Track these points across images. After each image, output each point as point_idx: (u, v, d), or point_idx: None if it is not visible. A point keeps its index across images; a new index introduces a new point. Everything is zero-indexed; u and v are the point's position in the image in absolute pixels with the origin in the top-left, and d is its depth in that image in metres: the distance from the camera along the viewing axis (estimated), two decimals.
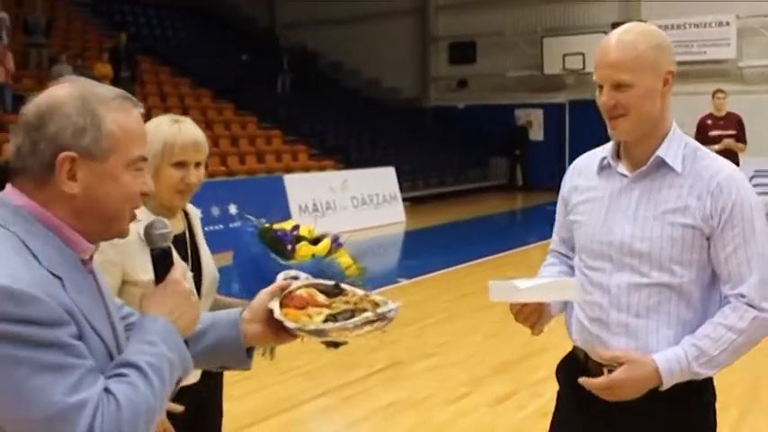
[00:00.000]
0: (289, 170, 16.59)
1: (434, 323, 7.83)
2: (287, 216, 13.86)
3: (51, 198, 1.49)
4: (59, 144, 1.47)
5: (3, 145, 13.55)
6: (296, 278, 1.96)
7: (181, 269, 1.70)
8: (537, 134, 24.07)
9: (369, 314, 1.79)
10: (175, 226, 2.65)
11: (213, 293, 2.86)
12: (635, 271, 2.28)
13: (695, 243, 2.23)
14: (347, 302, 1.86)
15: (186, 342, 1.62)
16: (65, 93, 1.51)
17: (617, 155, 2.38)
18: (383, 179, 16.54)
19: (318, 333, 1.79)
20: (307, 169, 17.42)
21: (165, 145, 2.59)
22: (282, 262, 2.59)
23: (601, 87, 2.26)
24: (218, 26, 26.37)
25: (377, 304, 1.84)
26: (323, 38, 26.32)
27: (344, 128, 21.89)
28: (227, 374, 6.01)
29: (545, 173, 21.24)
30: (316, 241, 2.69)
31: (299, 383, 6.02)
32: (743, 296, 2.21)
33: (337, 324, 1.78)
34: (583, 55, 22.59)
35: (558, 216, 2.63)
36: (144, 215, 2.49)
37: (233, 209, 12.65)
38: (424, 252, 13.22)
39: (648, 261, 2.26)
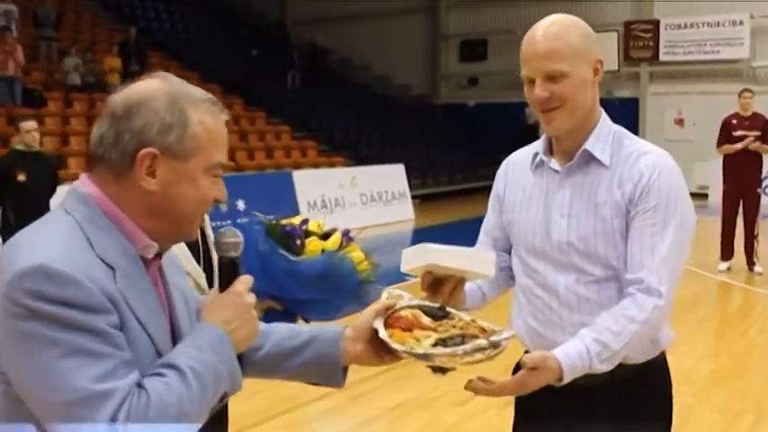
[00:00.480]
0: (297, 166, 16.53)
1: None
2: (295, 212, 13.77)
3: (126, 191, 1.48)
4: (143, 139, 1.46)
5: (12, 138, 13.53)
6: (400, 297, 1.90)
7: (245, 281, 1.62)
8: None
9: (482, 341, 1.72)
10: None
11: None
12: (578, 269, 2.21)
13: (620, 232, 2.17)
14: (455, 327, 1.80)
15: (241, 358, 1.57)
16: (155, 88, 1.50)
17: (549, 150, 2.31)
18: (392, 176, 16.46)
19: (426, 357, 1.72)
20: (316, 165, 17.35)
21: None
22: (292, 258, 2.48)
23: (531, 82, 2.18)
24: (229, 21, 26.28)
25: (484, 330, 1.78)
26: (333, 34, 26.23)
27: (354, 124, 21.82)
28: None
29: None
30: (325, 236, 2.59)
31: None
32: (640, 281, 2.10)
33: (447, 350, 1.71)
34: None
35: (490, 215, 2.52)
36: None
37: (241, 204, 12.57)
38: None
39: (589, 258, 2.19)
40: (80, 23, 21.02)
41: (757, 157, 10.19)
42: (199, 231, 2.65)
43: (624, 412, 2.25)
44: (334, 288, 2.45)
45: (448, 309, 1.88)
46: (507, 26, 24.45)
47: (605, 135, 2.23)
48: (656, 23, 21.84)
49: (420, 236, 15.03)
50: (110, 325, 1.36)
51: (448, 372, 1.82)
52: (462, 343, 1.72)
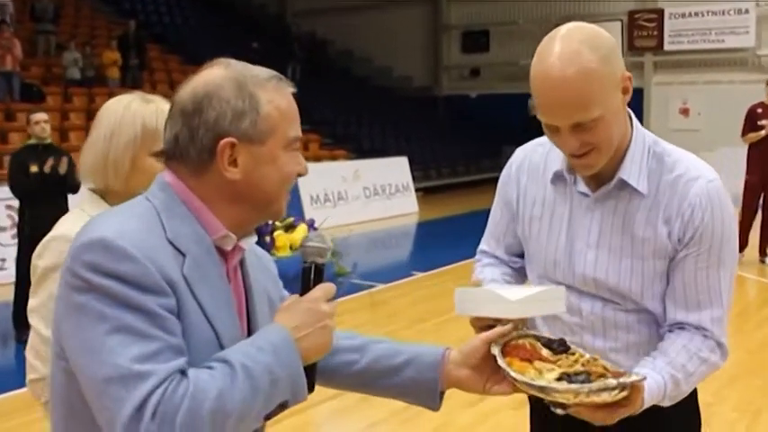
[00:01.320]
0: None
1: (452, 319, 7.52)
2: (298, 206, 13.78)
3: (208, 183, 1.47)
4: (219, 130, 1.44)
5: (9, 134, 13.40)
6: (519, 326, 1.77)
7: (325, 290, 1.55)
8: None
9: (611, 381, 1.60)
10: None
11: None
12: (605, 299, 2.00)
13: (662, 272, 1.95)
14: (576, 362, 1.68)
15: (311, 368, 1.50)
16: (220, 76, 1.48)
17: (571, 167, 1.98)
18: (395, 169, 16.32)
19: (547, 391, 1.61)
20: (318, 159, 17.21)
21: (144, 129, 2.14)
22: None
23: (554, 128, 1.83)
24: (228, 14, 26.14)
25: (607, 369, 1.66)
26: (334, 25, 26.12)
27: (356, 117, 21.70)
28: None
29: None
30: (288, 228, 2.38)
31: None
32: (704, 329, 1.93)
33: (573, 386, 1.59)
34: None
35: (499, 219, 2.23)
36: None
37: None
38: (438, 243, 12.98)
39: (618, 294, 1.98)
40: (79, 17, 20.89)
41: None
42: None
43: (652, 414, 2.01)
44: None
45: (569, 343, 1.75)
46: (509, 17, 24.34)
47: (640, 156, 1.94)
48: (661, 12, 21.67)
49: (424, 229, 14.92)
50: (162, 307, 1.34)
51: (568, 409, 1.67)
52: (588, 381, 1.61)
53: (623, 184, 1.93)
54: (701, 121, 20.56)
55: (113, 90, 15.55)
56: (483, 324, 1.81)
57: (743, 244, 10.18)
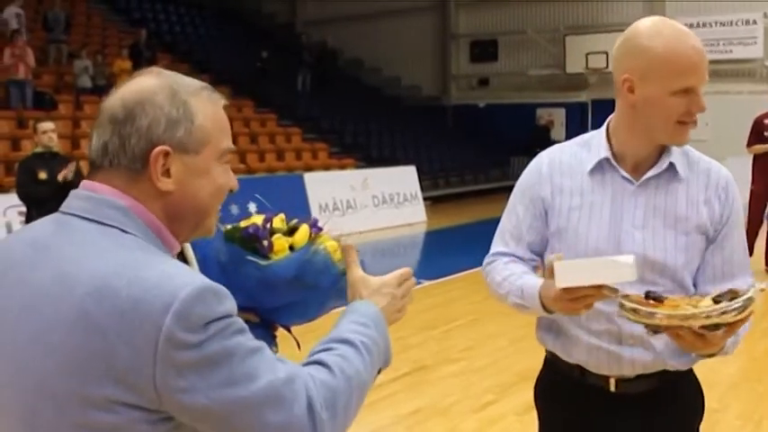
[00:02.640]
0: (309, 168, 16.48)
1: (459, 326, 7.64)
2: (307, 215, 13.77)
3: (143, 196, 1.40)
4: (152, 138, 1.38)
5: (22, 141, 13.51)
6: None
7: (402, 274, 1.72)
8: (559, 134, 23.80)
9: (748, 295, 1.91)
10: None
11: None
12: (646, 281, 2.13)
13: (702, 249, 2.22)
14: (680, 304, 1.94)
15: None
16: (153, 83, 1.42)
17: (614, 157, 2.22)
18: (404, 178, 16.38)
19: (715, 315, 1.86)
20: (327, 168, 17.30)
21: None
22: (263, 263, 2.27)
23: (687, 92, 2.07)
24: (239, 23, 26.30)
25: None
26: (343, 35, 26.23)
27: (365, 126, 21.78)
28: None
29: None
30: (291, 231, 2.37)
31: None
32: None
33: (724, 305, 1.87)
34: (606, 53, 22.32)
35: (520, 216, 2.35)
36: None
37: (253, 207, 12.51)
38: (446, 252, 13.05)
39: (662, 271, 2.17)
40: (90, 26, 21.05)
41: None
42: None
43: (669, 413, 2.29)
44: (312, 286, 2.30)
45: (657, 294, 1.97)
46: (518, 26, 24.42)
47: (676, 146, 2.22)
48: None
49: (432, 238, 14.97)
50: None
51: (720, 327, 1.91)
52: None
53: (671, 169, 2.18)
54: (708, 131, 20.50)
55: None
56: (578, 295, 1.96)
57: (748, 253, 10.19)
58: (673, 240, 2.17)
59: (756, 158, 10.22)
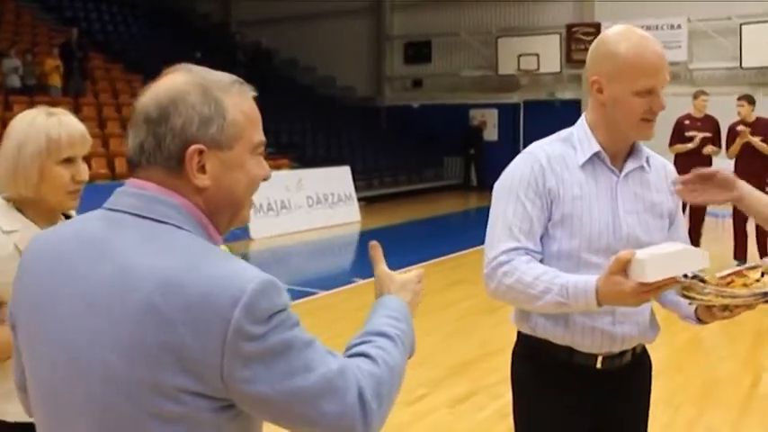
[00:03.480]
0: None
1: None
2: None
3: (183, 192, 1.44)
4: (186, 136, 1.42)
5: None
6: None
7: (419, 273, 1.83)
8: (491, 134, 24.18)
9: None
10: None
11: None
12: None
13: (666, 231, 2.55)
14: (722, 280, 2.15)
15: None
16: (184, 81, 1.45)
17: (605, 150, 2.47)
18: (338, 178, 16.45)
19: None
20: None
21: (48, 140, 2.28)
22: None
23: (648, 92, 2.32)
24: (172, 23, 26.08)
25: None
26: (278, 35, 26.18)
27: (299, 126, 21.79)
28: None
29: (499, 173, 20.65)
30: None
31: None
32: None
33: None
34: (537, 56, 22.79)
35: (528, 210, 2.41)
36: (20, 223, 2.31)
37: None
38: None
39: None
40: (19, 24, 20.65)
41: (707, 158, 10.38)
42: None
43: (639, 385, 2.62)
44: None
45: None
46: (451, 28, 24.67)
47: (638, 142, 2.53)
48: (598, 26, 22.15)
49: (367, 238, 14.98)
50: None
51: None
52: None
53: (646, 162, 2.51)
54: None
55: (55, 98, 15.46)
56: (655, 287, 2.07)
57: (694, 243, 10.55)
58: (654, 222, 2.49)
59: (677, 157, 10.58)
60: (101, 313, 1.34)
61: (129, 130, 1.46)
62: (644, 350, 2.64)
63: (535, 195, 2.41)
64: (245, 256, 12.61)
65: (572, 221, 2.41)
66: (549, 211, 2.42)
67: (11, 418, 2.30)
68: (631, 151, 2.49)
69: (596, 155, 2.43)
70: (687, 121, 10.54)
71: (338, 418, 1.37)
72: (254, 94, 1.55)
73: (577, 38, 22.47)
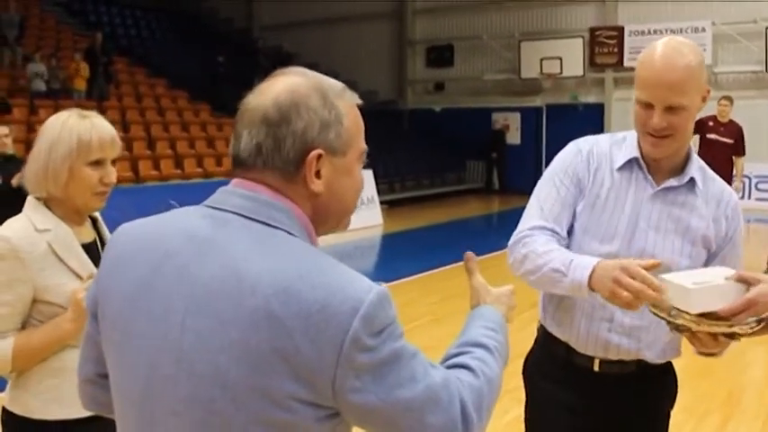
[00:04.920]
0: None
1: (418, 327, 7.77)
2: None
3: (296, 197, 1.41)
4: (307, 141, 1.39)
5: None
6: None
7: (511, 288, 1.82)
8: (514, 138, 24.12)
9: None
10: (85, 234, 2.46)
11: None
12: None
13: (702, 262, 2.38)
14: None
15: None
16: (303, 84, 1.43)
17: (645, 158, 2.38)
18: None
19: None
20: None
21: (80, 142, 2.33)
22: None
23: (647, 106, 2.22)
24: (195, 27, 26.21)
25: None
26: (300, 40, 26.26)
27: None
28: None
29: (521, 176, 21.24)
30: None
31: None
32: None
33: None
34: (560, 59, 22.69)
35: (562, 193, 2.43)
36: (52, 222, 2.34)
37: None
38: (402, 255, 13.17)
39: (663, 272, 2.24)
40: (44, 29, 20.83)
41: (728, 163, 10.27)
42: (98, 239, 2.51)
43: (646, 395, 2.51)
44: None
45: None
46: (473, 32, 24.63)
47: (695, 160, 2.39)
48: (621, 30, 22.09)
49: (389, 241, 15.07)
50: None
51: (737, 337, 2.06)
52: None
53: (691, 183, 2.36)
54: None
55: (79, 102, 15.57)
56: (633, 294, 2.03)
57: None
58: (680, 246, 2.35)
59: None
60: (211, 314, 1.31)
61: (243, 130, 1.42)
62: (662, 364, 2.50)
63: (570, 182, 2.43)
64: None
65: (588, 215, 2.40)
66: (577, 200, 2.43)
67: (36, 415, 2.32)
68: (683, 167, 2.37)
69: (634, 161, 2.38)
70: (711, 123, 10.45)
71: (441, 429, 1.37)
72: (359, 102, 1.53)
73: (600, 41, 22.37)
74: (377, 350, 1.30)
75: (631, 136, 2.42)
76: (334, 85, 1.47)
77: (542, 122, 23.72)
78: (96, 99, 16.80)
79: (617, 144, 2.44)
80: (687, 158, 2.38)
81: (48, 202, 2.39)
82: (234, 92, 16.32)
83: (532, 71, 23.30)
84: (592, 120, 21.48)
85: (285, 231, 1.38)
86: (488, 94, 24.54)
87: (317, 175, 1.41)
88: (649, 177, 2.36)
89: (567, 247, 2.39)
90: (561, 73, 22.89)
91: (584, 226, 2.40)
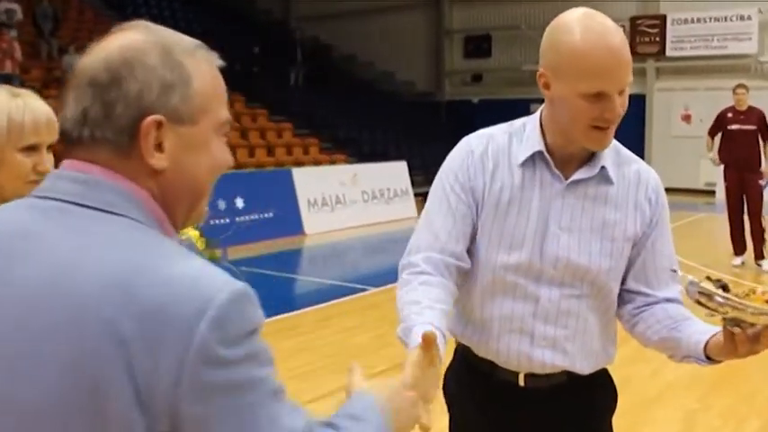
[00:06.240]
0: (299, 164, 16.39)
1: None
2: (295, 210, 13.64)
3: (133, 176, 1.16)
4: (142, 106, 1.14)
5: None
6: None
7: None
8: None
9: None
10: None
11: None
12: (565, 284, 2.08)
13: (628, 253, 2.12)
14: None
15: None
16: (141, 40, 1.18)
17: (547, 151, 2.07)
18: (395, 173, 16.29)
19: None
20: (318, 163, 17.20)
21: (10, 123, 2.01)
22: None
23: (598, 97, 1.89)
24: (232, 18, 26.19)
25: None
26: (337, 30, 26.16)
27: (357, 121, 21.70)
28: None
29: None
30: None
31: (294, 385, 5.69)
32: (678, 301, 2.13)
33: None
34: None
35: (452, 200, 2.11)
36: None
37: (240, 202, 12.43)
38: None
39: (583, 275, 2.08)
40: (81, 21, 20.98)
41: (752, 152, 10.11)
42: None
43: (579, 407, 2.23)
44: None
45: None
46: (511, 22, 24.32)
47: (610, 147, 2.08)
48: (663, 18, 21.64)
49: None
50: None
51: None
52: None
53: (603, 172, 2.05)
54: (703, 127, 20.36)
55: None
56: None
57: (740, 248, 10.18)
58: (598, 246, 2.06)
59: (721, 150, 10.49)
60: (34, 323, 1.06)
61: (68, 96, 1.18)
62: (594, 373, 2.21)
63: (462, 190, 2.12)
64: (298, 252, 12.52)
65: (491, 226, 2.09)
66: (475, 213, 2.12)
67: None
68: (591, 157, 2.06)
69: (538, 155, 2.06)
70: (730, 114, 10.23)
71: None
72: (220, 63, 1.28)
73: (642, 30, 21.93)
74: (232, 367, 1.04)
75: (532, 125, 2.11)
76: (182, 41, 1.22)
77: None
78: None
79: (516, 135, 2.13)
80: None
81: None
82: (269, 83, 16.33)
83: None
84: (633, 111, 20.68)
85: (127, 218, 1.13)
86: (527, 84, 24.17)
87: (159, 148, 1.16)
88: (557, 172, 2.05)
89: (473, 260, 2.12)
90: None
91: (488, 236, 2.10)
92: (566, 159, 2.06)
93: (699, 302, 1.77)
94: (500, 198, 2.08)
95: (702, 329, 1.98)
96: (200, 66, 1.21)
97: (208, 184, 1.25)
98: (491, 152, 2.13)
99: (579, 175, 2.05)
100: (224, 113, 1.25)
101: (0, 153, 2.02)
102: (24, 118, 2.03)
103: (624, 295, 2.18)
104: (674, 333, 2.03)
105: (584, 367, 2.16)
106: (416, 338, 1.69)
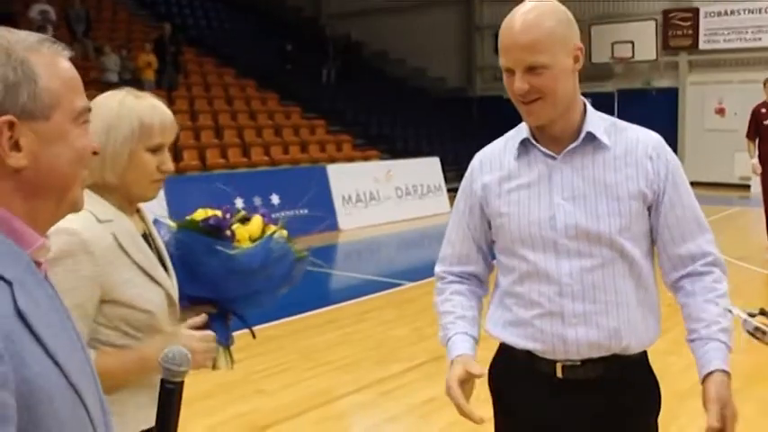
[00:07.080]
0: (333, 160, 16.50)
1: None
2: (330, 207, 13.71)
3: None
4: None
5: None
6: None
7: None
8: None
9: None
10: (138, 225, 2.20)
11: None
12: (584, 254, 2.16)
13: (642, 213, 2.19)
14: None
15: None
16: None
17: (534, 137, 2.24)
18: (428, 169, 16.37)
19: None
20: (351, 159, 17.30)
21: (142, 125, 2.10)
22: (231, 253, 2.25)
23: (510, 72, 2.11)
24: (263, 16, 26.36)
25: None
26: (368, 27, 26.22)
27: (389, 118, 21.77)
28: (260, 367, 5.86)
29: None
30: (243, 221, 2.40)
31: (335, 378, 5.89)
32: (705, 254, 2.22)
33: None
34: (632, 43, 22.20)
35: (463, 225, 2.40)
36: (111, 213, 2.09)
37: (275, 199, 12.58)
38: None
39: (598, 240, 2.16)
40: (115, 21, 21.23)
41: None
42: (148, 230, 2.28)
43: (620, 403, 2.25)
44: (271, 275, 2.33)
45: None
46: None
47: (597, 117, 2.23)
48: (696, 11, 21.50)
49: None
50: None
51: None
52: None
53: (590, 138, 2.17)
54: (737, 121, 20.27)
55: (149, 92, 15.77)
56: None
57: None
58: (605, 207, 2.15)
59: (761, 148, 10.30)
60: None
61: None
62: (633, 367, 2.25)
63: (470, 208, 2.37)
64: (334, 248, 12.63)
65: (504, 224, 2.26)
66: (486, 217, 2.34)
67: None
68: (579, 132, 2.19)
69: (526, 141, 2.24)
70: (764, 110, 10.13)
71: None
72: (69, 53, 1.28)
73: (674, 23, 21.80)
74: None
75: (523, 124, 2.28)
76: (23, 38, 1.21)
77: (614, 108, 23.21)
78: (166, 89, 17.02)
79: (511, 138, 2.32)
80: (582, 120, 2.21)
81: (100, 190, 2.12)
82: (302, 81, 16.47)
83: (603, 55, 22.83)
84: (665, 105, 20.98)
85: None
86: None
87: (16, 147, 1.17)
88: (548, 150, 2.20)
89: (497, 254, 2.35)
90: (633, 57, 22.39)
91: (504, 237, 2.28)
92: (554, 138, 2.20)
93: (754, 336, 1.98)
94: (500, 190, 2.27)
95: (707, 360, 2.13)
96: (46, 60, 1.22)
97: (74, 174, 1.26)
98: (487, 160, 2.34)
99: (569, 146, 2.18)
100: (79, 103, 1.26)
101: (131, 153, 2.10)
102: (154, 119, 2.13)
103: (664, 264, 2.28)
104: (693, 336, 2.20)
105: (620, 341, 2.18)
106: (453, 353, 2.27)
